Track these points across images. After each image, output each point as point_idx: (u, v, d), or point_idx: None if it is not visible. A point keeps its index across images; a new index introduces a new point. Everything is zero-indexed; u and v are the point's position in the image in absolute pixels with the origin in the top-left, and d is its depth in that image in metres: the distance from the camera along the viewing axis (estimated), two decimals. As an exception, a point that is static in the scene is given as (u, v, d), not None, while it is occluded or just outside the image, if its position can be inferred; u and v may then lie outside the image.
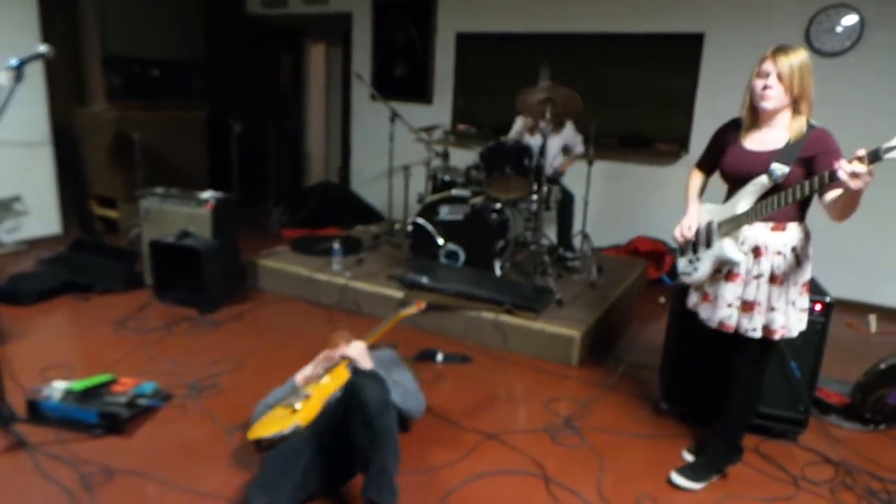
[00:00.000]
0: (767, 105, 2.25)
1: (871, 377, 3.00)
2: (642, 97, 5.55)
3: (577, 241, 5.15)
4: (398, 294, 4.14)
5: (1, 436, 2.55)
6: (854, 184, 1.87)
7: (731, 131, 2.47)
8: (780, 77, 2.21)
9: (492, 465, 2.60)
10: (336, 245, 4.63)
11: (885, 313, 4.68)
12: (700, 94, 5.31)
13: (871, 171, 1.85)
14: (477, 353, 3.70)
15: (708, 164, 2.64)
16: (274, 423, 2.37)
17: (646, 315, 4.65)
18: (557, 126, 4.92)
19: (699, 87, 5.30)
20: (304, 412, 2.37)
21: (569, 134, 5.05)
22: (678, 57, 5.35)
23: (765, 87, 2.24)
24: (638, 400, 3.27)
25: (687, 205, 2.62)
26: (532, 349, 3.74)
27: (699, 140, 5.30)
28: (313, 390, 2.50)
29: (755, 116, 2.35)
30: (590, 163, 4.83)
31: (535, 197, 4.38)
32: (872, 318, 4.54)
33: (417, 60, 6.62)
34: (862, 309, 4.68)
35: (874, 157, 1.83)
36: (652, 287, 5.22)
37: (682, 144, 5.42)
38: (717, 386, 2.86)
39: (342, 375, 2.53)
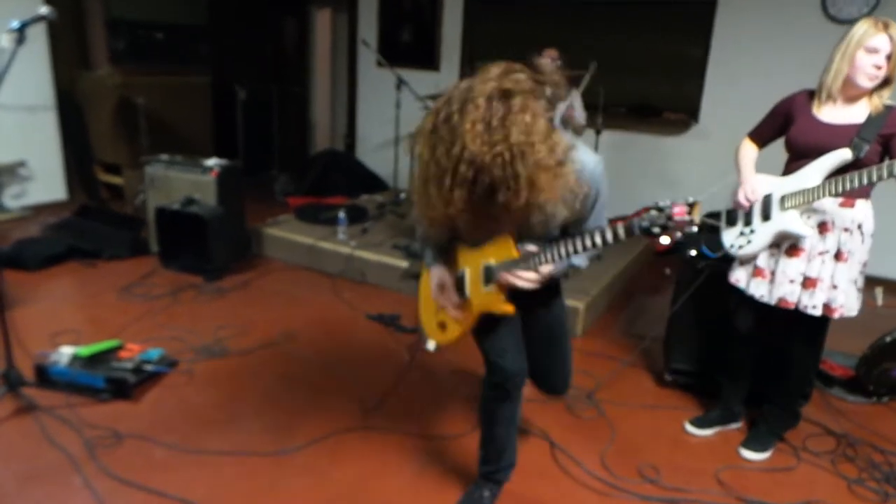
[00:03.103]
0: (872, 85, 2.16)
1: (877, 350, 2.99)
2: (652, 65, 5.45)
3: (583, 212, 5.11)
4: (403, 263, 4.14)
5: (10, 399, 2.58)
6: None
7: (801, 102, 2.35)
8: (889, 56, 2.12)
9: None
10: (341, 214, 4.61)
11: (892, 286, 4.66)
12: (711, 63, 5.21)
13: None
14: (481, 323, 3.70)
15: (765, 136, 2.52)
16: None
17: (652, 286, 4.64)
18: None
19: (711, 55, 5.20)
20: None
21: (575, 102, 4.97)
22: (690, 24, 5.24)
23: (876, 67, 2.13)
24: (641, 370, 3.28)
25: (741, 174, 2.51)
26: (536, 319, 3.74)
27: (709, 110, 5.22)
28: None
29: (844, 90, 2.22)
30: (598, 132, 4.78)
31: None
32: (879, 291, 4.52)
33: (425, 26, 6.51)
34: (869, 282, 4.62)
35: None
36: (658, 258, 5.19)
37: (691, 114, 5.34)
38: (721, 358, 2.87)
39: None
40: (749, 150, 2.56)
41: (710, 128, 5.22)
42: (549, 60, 4.65)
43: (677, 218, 1.51)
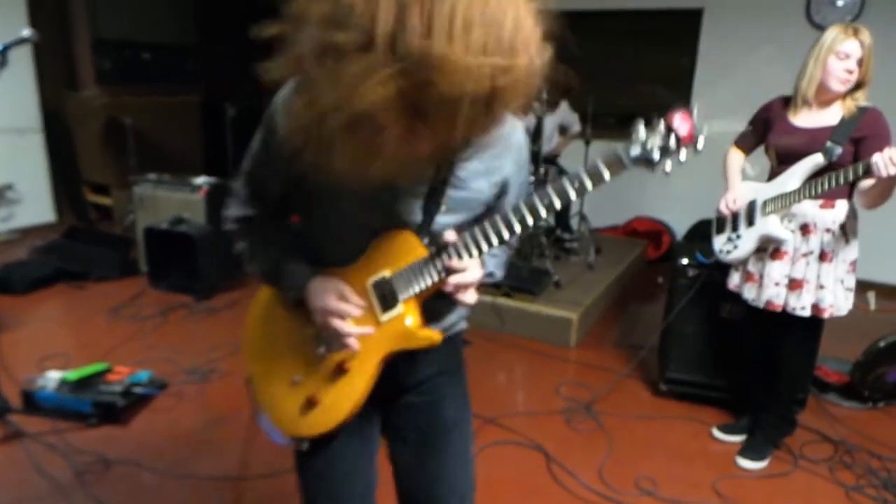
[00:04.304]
0: (843, 89, 2.20)
1: (871, 355, 2.98)
2: (640, 75, 5.49)
3: (574, 223, 5.12)
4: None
5: (-4, 426, 2.54)
6: (885, 171, 1.93)
7: (778, 107, 2.41)
8: (859, 61, 2.17)
9: (494, 447, 2.59)
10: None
11: (885, 291, 4.67)
12: (698, 72, 5.24)
13: None
14: (474, 336, 3.68)
15: (750, 142, 2.58)
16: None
17: (644, 296, 4.63)
18: (552, 106, 4.86)
19: (698, 64, 5.24)
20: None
21: (564, 113, 4.99)
22: (676, 34, 5.28)
23: (848, 71, 2.17)
24: (636, 381, 3.26)
25: (728, 182, 2.58)
26: (530, 331, 3.72)
27: (697, 118, 5.24)
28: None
29: (818, 95, 2.27)
30: (587, 143, 4.78)
31: (531, 178, 4.34)
32: (871, 296, 4.53)
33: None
34: (861, 286, 4.63)
35: None
36: (651, 267, 5.19)
37: (680, 123, 5.36)
38: (716, 367, 2.87)
39: None
40: (735, 157, 2.61)
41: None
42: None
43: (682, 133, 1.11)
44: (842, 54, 2.17)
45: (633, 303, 4.48)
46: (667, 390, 3.06)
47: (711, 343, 2.91)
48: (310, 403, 1.26)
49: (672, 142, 1.10)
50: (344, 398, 1.23)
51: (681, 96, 5.32)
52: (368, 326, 1.19)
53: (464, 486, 1.40)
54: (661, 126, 1.10)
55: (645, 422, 2.88)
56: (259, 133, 1.21)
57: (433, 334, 1.20)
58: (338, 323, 1.16)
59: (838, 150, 2.20)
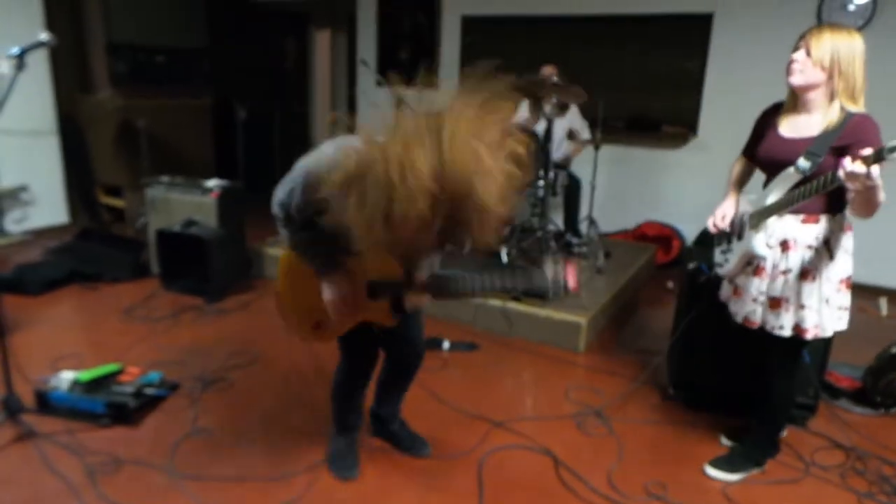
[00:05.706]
0: (793, 80, 2.13)
1: (883, 361, 2.97)
2: (650, 80, 5.48)
3: (584, 227, 5.11)
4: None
5: (10, 426, 2.56)
6: (851, 185, 1.82)
7: (770, 116, 2.34)
8: (808, 52, 2.07)
9: (503, 451, 2.60)
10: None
11: (897, 296, 4.64)
12: (709, 76, 5.23)
13: (869, 173, 1.77)
14: (483, 340, 3.68)
15: (751, 151, 2.49)
16: None
17: (654, 300, 4.62)
18: (562, 109, 4.86)
19: (708, 69, 5.22)
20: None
21: (574, 118, 4.99)
22: (687, 38, 5.27)
23: (791, 62, 2.11)
24: (645, 385, 3.25)
25: (727, 193, 2.53)
26: (539, 335, 3.72)
27: (707, 123, 5.23)
28: None
29: (793, 97, 2.22)
30: (596, 147, 4.78)
31: (541, 182, 4.34)
32: (883, 302, 4.49)
33: (423, 45, 6.55)
34: (872, 292, 4.63)
35: (878, 157, 1.75)
36: (660, 272, 5.18)
37: (690, 127, 5.35)
38: (725, 373, 2.85)
39: None
40: (738, 166, 2.55)
41: (709, 140, 5.22)
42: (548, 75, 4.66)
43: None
44: (795, 48, 2.12)
45: (643, 307, 4.47)
46: (675, 395, 3.05)
47: (721, 348, 2.89)
48: (318, 325, 2.16)
49: (562, 288, 1.78)
50: (337, 331, 2.19)
51: (691, 101, 5.31)
52: (356, 301, 2.05)
53: (421, 337, 2.46)
54: (560, 274, 1.77)
55: (653, 427, 2.87)
56: (298, 180, 1.87)
57: (389, 321, 2.11)
58: (336, 311, 2.07)
59: (811, 164, 2.09)
